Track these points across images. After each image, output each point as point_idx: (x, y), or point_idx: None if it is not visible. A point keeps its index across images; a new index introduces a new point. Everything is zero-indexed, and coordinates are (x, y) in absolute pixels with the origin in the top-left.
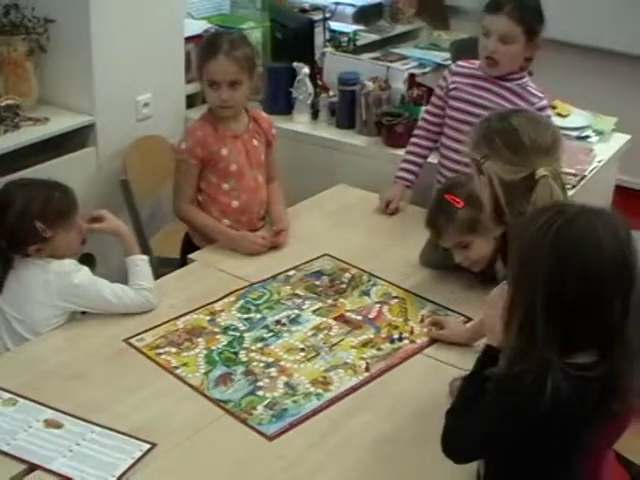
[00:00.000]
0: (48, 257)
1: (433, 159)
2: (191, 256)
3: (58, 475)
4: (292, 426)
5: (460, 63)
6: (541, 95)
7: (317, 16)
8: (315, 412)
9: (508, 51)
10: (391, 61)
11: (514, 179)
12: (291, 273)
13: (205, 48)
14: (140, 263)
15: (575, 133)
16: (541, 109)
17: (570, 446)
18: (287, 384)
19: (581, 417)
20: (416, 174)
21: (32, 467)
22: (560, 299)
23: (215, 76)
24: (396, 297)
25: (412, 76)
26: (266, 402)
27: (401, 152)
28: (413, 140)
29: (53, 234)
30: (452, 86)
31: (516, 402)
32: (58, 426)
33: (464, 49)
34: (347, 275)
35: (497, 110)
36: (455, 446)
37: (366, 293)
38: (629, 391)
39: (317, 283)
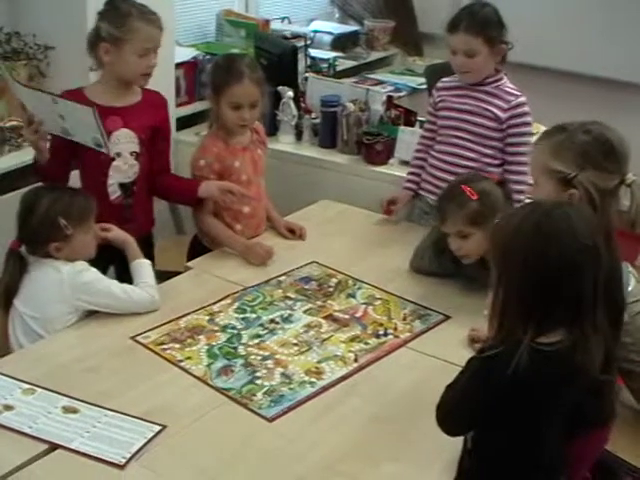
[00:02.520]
0: (64, 259)
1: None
2: (188, 264)
3: (78, 452)
4: (290, 409)
5: (443, 79)
6: (518, 93)
7: (298, 43)
8: (310, 397)
9: (475, 63)
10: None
11: (609, 186)
12: (282, 278)
13: (227, 72)
14: (144, 266)
15: None
16: (519, 105)
17: (539, 422)
18: (283, 374)
19: (545, 390)
20: (419, 184)
21: (53, 447)
22: (540, 286)
23: (240, 99)
24: (380, 299)
25: (390, 98)
26: (265, 389)
27: (380, 169)
28: (414, 155)
29: (74, 233)
30: (438, 99)
31: (483, 373)
32: (75, 411)
33: (438, 73)
34: (334, 280)
35: (568, 124)
36: (443, 417)
37: (352, 295)
38: (591, 365)
39: (306, 287)
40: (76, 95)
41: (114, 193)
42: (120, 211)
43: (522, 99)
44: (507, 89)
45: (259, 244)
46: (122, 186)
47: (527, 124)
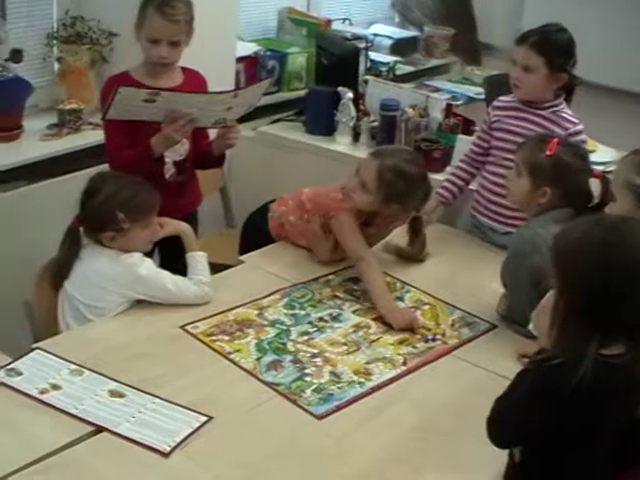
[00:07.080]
0: (117, 248)
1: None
2: (241, 258)
3: (123, 437)
4: (339, 408)
5: (500, 98)
6: (575, 121)
7: (359, 45)
8: (358, 397)
9: (529, 80)
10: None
11: None
12: (330, 277)
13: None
14: (199, 259)
15: (601, 167)
16: (576, 134)
17: (595, 435)
18: (332, 372)
19: (603, 403)
20: (454, 194)
21: (98, 429)
22: (605, 299)
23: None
24: (427, 303)
25: (449, 106)
26: (313, 387)
27: (437, 176)
28: (457, 164)
29: (130, 227)
30: (494, 119)
31: (544, 382)
32: (121, 396)
33: (496, 84)
34: None
35: None
36: (494, 429)
37: (400, 298)
38: None
39: (355, 287)
40: (123, 79)
41: (169, 171)
42: (174, 189)
43: (580, 127)
44: (565, 115)
45: (404, 310)
46: (176, 164)
47: None
